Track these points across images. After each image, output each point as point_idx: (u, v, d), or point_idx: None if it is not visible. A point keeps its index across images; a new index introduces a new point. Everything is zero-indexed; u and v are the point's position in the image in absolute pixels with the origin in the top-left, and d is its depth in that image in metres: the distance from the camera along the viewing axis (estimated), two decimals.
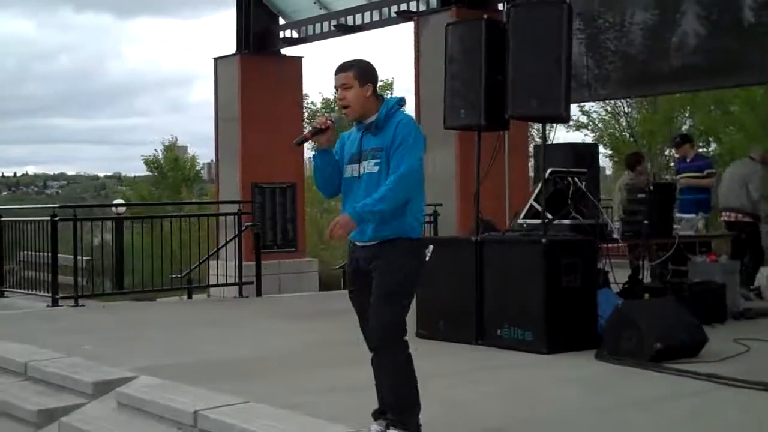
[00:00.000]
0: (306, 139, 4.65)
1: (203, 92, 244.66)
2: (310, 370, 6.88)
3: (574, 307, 7.43)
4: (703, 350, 6.99)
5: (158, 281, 12.72)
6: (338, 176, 4.65)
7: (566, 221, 8.43)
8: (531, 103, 7.65)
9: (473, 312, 7.77)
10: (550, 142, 12.24)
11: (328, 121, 4.55)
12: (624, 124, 25.38)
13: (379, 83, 4.66)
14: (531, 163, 14.50)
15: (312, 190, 18.74)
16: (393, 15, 14.67)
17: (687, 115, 25.71)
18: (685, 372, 6.39)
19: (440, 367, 6.55)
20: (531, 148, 15.32)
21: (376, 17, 15.11)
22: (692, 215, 9.89)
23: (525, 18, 7.74)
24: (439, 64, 12.71)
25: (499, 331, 7.61)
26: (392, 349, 4.51)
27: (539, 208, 8.80)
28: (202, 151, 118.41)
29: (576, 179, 8.69)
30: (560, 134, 29.61)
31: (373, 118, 4.55)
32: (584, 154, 12.07)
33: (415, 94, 13.70)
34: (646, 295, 8.90)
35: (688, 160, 11.50)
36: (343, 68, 4.57)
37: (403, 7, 14.40)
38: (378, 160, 4.48)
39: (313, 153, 4.65)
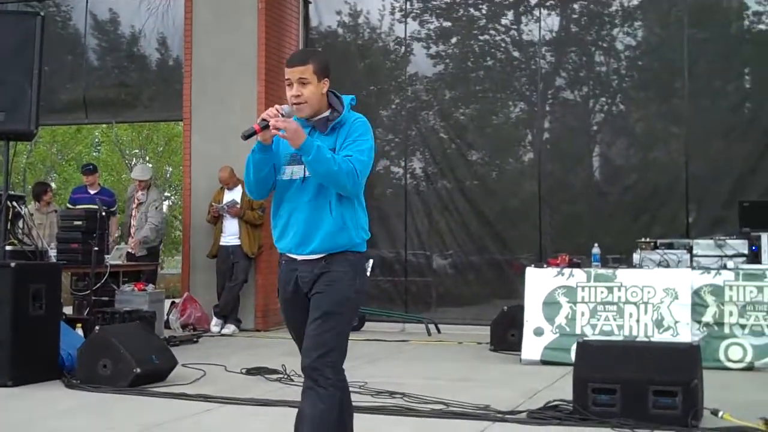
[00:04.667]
0: (255, 133, 3.77)
1: None
2: None
3: (39, 337, 7.03)
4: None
5: None
6: (274, 176, 3.95)
7: (7, 247, 7.93)
8: None
9: None
10: None
11: (280, 115, 3.78)
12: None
13: None
14: None
15: None
16: None
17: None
18: (178, 395, 6.51)
19: None
20: None
21: None
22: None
23: None
24: None
25: None
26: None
27: None
28: None
29: (15, 203, 8.24)
30: None
31: (326, 114, 3.93)
32: None
33: None
34: (78, 326, 8.81)
35: (92, 192, 11.52)
36: (300, 60, 3.88)
37: None
38: None
39: (252, 149, 3.87)
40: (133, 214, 11.16)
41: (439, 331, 10.58)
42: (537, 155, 11.40)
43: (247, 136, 3.81)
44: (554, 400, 5.85)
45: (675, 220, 10.51)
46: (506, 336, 8.84)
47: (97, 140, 25.16)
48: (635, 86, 11.28)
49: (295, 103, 3.86)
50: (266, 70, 11.05)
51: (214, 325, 10.57)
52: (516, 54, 11.67)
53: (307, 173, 3.85)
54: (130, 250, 10.64)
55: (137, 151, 24.71)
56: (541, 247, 10.78)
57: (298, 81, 3.84)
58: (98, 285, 9.02)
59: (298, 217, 3.88)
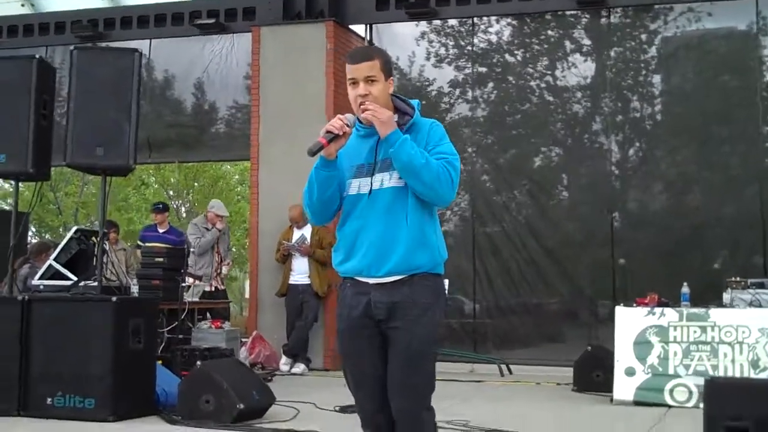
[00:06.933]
0: (322, 147, 3.40)
1: None
2: None
3: (137, 371, 6.99)
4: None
5: None
6: (339, 197, 3.56)
7: (93, 283, 7.94)
8: (95, 151, 7.14)
9: (16, 380, 6.85)
10: None
11: (346, 125, 3.43)
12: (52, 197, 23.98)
13: None
14: None
15: None
16: None
17: None
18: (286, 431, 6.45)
19: None
20: None
21: None
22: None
23: (91, 63, 7.27)
24: None
25: (50, 400, 6.83)
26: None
27: (60, 268, 8.18)
28: None
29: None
30: None
31: (395, 119, 3.49)
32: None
33: None
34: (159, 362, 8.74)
35: (161, 231, 11.49)
36: (367, 56, 3.50)
37: None
38: None
39: (315, 165, 3.52)
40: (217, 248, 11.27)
41: (510, 371, 10.47)
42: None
43: (314, 152, 3.43)
44: None
45: (749, 262, 10.45)
46: (591, 376, 8.70)
47: (141, 181, 25.06)
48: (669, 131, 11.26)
49: (362, 104, 3.46)
50: (335, 109, 11.06)
51: (284, 363, 10.49)
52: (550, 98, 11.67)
53: (374, 185, 3.47)
54: (208, 288, 10.62)
55: (173, 193, 24.74)
56: (614, 289, 10.67)
57: (365, 79, 3.46)
58: (178, 322, 8.97)
59: (369, 235, 3.46)
